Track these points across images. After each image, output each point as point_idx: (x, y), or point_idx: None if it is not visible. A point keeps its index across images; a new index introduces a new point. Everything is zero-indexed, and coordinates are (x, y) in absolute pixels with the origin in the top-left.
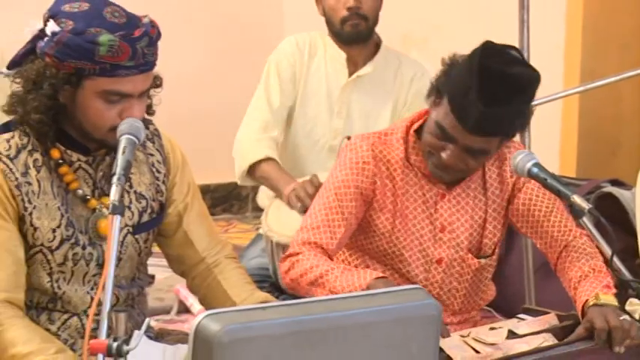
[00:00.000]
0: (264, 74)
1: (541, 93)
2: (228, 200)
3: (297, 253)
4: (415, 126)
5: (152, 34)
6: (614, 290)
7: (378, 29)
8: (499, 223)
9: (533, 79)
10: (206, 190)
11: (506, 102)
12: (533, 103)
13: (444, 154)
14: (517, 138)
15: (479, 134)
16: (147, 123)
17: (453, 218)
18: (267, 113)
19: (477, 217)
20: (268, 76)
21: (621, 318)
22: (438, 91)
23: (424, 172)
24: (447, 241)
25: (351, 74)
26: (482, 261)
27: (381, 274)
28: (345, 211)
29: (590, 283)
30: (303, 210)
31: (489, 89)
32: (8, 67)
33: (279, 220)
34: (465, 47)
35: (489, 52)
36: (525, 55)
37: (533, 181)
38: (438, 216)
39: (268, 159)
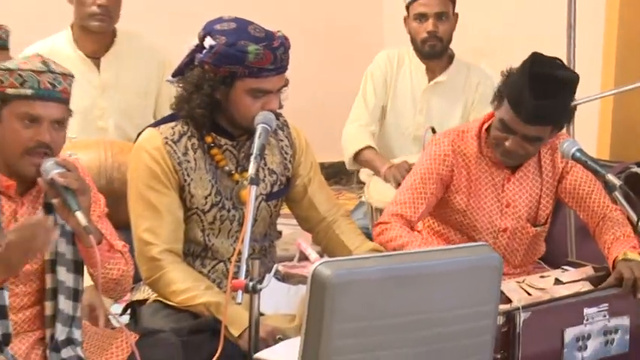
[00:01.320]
0: (362, 83)
1: (582, 93)
2: (338, 175)
3: (387, 222)
4: (485, 125)
5: (286, 44)
6: (639, 250)
7: (452, 44)
8: (551, 199)
9: (573, 79)
10: (321, 167)
11: (553, 96)
12: (576, 102)
13: (507, 143)
14: (564, 130)
15: (532, 124)
16: (277, 115)
17: (516, 197)
18: (365, 112)
19: (534, 194)
20: (365, 83)
21: None
22: (500, 96)
23: (494, 160)
24: (511, 215)
25: (430, 80)
26: (538, 229)
27: None
28: (427, 191)
29: (620, 244)
30: (396, 185)
31: (539, 87)
32: (173, 76)
33: (377, 191)
34: (524, 57)
35: (538, 60)
36: (571, 61)
37: (578, 166)
38: (504, 195)
39: (368, 147)
